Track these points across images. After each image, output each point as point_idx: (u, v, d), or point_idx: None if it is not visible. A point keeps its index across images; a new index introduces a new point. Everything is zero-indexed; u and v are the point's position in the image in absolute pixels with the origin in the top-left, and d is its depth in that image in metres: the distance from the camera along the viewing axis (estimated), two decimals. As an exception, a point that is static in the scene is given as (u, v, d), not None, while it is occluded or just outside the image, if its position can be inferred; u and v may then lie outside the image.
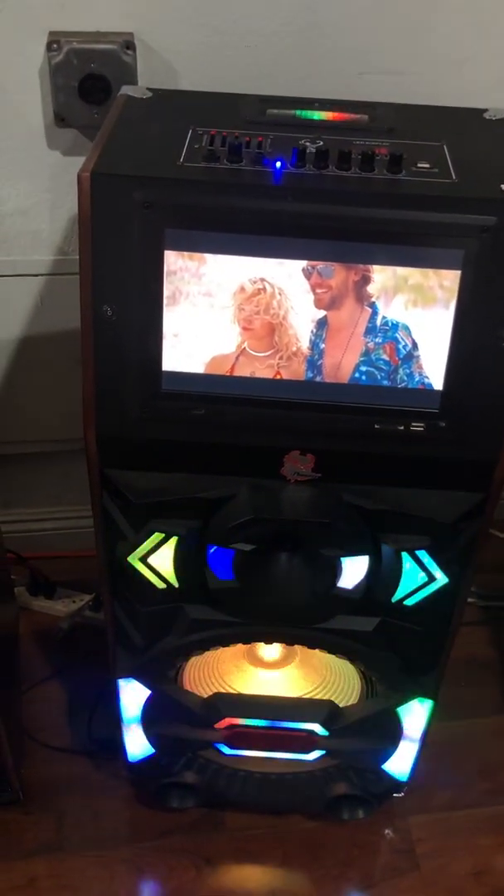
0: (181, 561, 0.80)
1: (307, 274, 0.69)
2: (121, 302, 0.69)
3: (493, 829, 1.12)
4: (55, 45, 0.93)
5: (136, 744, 1.01)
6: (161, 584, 0.82)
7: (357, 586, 0.80)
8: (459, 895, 1.06)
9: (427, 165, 0.70)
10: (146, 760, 1.02)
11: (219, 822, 1.10)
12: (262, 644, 1.00)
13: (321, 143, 0.72)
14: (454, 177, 0.70)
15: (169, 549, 0.80)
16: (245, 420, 0.74)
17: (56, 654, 1.27)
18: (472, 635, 1.33)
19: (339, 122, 0.79)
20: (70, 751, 1.16)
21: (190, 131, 0.74)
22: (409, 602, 0.81)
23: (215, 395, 0.73)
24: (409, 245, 0.67)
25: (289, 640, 0.88)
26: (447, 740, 1.17)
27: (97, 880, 1.06)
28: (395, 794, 1.09)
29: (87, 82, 0.94)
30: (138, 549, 0.79)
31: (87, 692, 1.20)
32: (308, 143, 0.72)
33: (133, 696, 0.95)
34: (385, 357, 0.71)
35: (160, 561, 0.81)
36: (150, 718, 0.97)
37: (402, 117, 0.79)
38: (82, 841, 1.08)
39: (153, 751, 1.01)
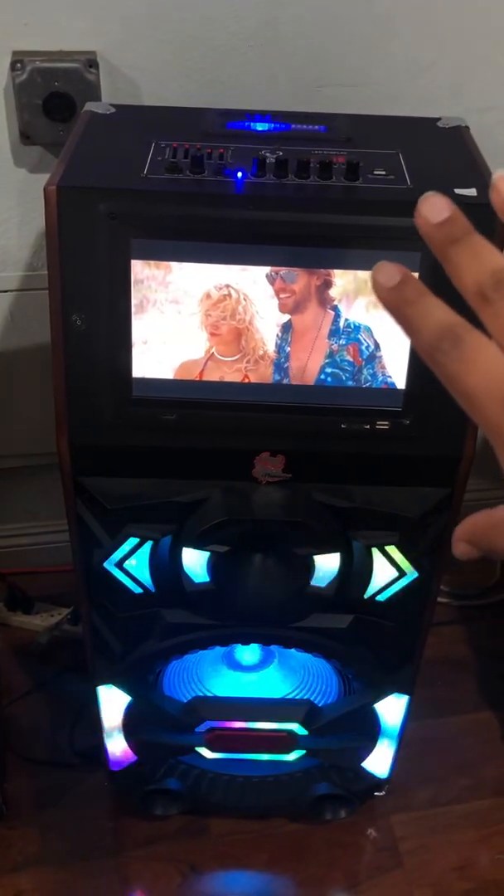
0: (157, 565, 0.81)
1: (271, 279, 0.71)
2: (90, 312, 0.71)
3: (474, 824, 1.13)
4: (19, 65, 0.95)
5: (118, 752, 1.02)
6: (137, 589, 0.83)
7: (330, 584, 0.81)
8: (443, 890, 1.07)
9: (383, 172, 0.73)
10: (129, 768, 1.03)
11: (203, 828, 1.11)
12: (240, 647, 1.02)
13: (280, 153, 0.74)
14: (409, 182, 0.72)
15: (144, 553, 0.81)
16: (215, 424, 0.75)
17: (35, 669, 1.27)
18: (447, 635, 1.35)
19: (298, 133, 0.81)
20: (52, 764, 1.16)
21: (153, 144, 0.75)
22: (381, 598, 0.83)
23: (185, 400, 0.74)
24: (368, 249, 0.70)
25: (265, 641, 0.90)
26: (425, 739, 1.19)
27: (83, 891, 1.06)
28: (376, 794, 1.11)
29: (52, 100, 0.96)
30: (114, 555, 0.80)
31: (68, 705, 1.20)
32: (268, 154, 0.74)
33: (113, 703, 0.96)
34: (349, 358, 0.73)
35: (136, 566, 0.82)
36: (131, 725, 0.97)
37: (358, 127, 0.82)
38: (67, 853, 1.08)
39: (135, 758, 1.02)
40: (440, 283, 0.68)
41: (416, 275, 0.68)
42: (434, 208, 0.33)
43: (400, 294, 0.34)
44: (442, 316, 0.34)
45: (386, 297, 0.35)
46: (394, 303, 0.35)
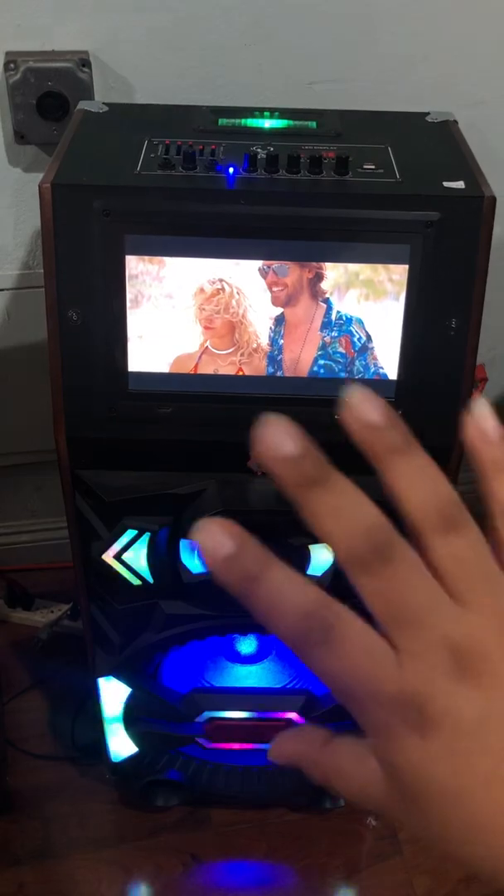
0: (155, 557, 0.83)
1: (263, 273, 0.72)
2: (85, 307, 0.72)
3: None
4: (12, 65, 0.96)
5: (119, 743, 1.03)
6: (136, 581, 0.84)
7: (325, 573, 0.82)
8: (442, 877, 1.08)
9: (372, 166, 0.74)
10: (130, 760, 1.04)
11: (204, 818, 1.12)
12: (239, 639, 1.03)
13: (271, 148, 0.75)
14: (398, 176, 0.73)
15: (142, 545, 0.82)
16: (210, 416, 0.76)
17: (36, 665, 1.28)
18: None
19: (289, 129, 0.82)
20: (54, 758, 1.17)
21: (146, 142, 0.77)
22: (377, 586, 0.84)
23: (180, 393, 0.75)
24: (359, 242, 0.71)
25: (263, 630, 0.90)
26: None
27: (86, 883, 1.07)
28: (375, 783, 1.12)
29: (45, 100, 0.97)
30: (112, 547, 0.81)
31: (69, 700, 1.21)
32: (259, 150, 0.75)
33: (114, 694, 0.97)
34: (341, 350, 0.74)
35: (134, 558, 0.83)
36: (132, 716, 0.98)
37: (348, 123, 0.83)
38: (69, 845, 1.10)
39: (136, 750, 1.03)
40: (428, 271, 0.70)
41: (405, 267, 0.70)
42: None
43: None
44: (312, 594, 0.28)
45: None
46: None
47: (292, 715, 0.97)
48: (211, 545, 0.27)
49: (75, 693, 1.17)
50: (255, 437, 0.28)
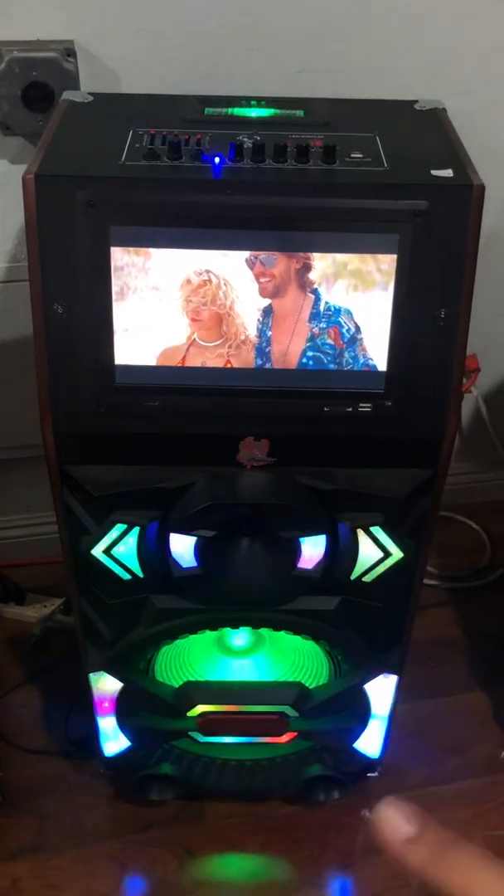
0: (145, 551, 0.82)
1: (250, 264, 0.71)
2: (71, 300, 0.71)
3: (466, 803, 1.14)
4: (-4, 55, 0.95)
5: (112, 738, 1.02)
6: (126, 576, 0.83)
7: (316, 566, 0.82)
8: (436, 868, 1.08)
9: (360, 155, 0.73)
10: (123, 754, 1.04)
11: (198, 812, 1.12)
12: (231, 632, 1.02)
13: (258, 137, 0.74)
14: (386, 165, 0.72)
15: (132, 540, 0.81)
16: (198, 409, 0.76)
17: (29, 660, 1.28)
18: (437, 617, 1.36)
19: (275, 118, 0.81)
20: (48, 753, 1.17)
21: (131, 132, 0.76)
22: (368, 579, 0.83)
23: (168, 386, 0.75)
24: (347, 232, 0.70)
25: (254, 624, 0.90)
26: (417, 720, 1.20)
27: (80, 877, 1.06)
28: (369, 775, 1.12)
29: (31, 90, 0.96)
30: (101, 542, 0.81)
31: (62, 694, 1.21)
32: (245, 139, 0.74)
33: (106, 690, 0.96)
34: (330, 341, 0.73)
35: (124, 553, 0.82)
36: (124, 711, 0.98)
37: (336, 111, 0.82)
38: (64, 840, 1.09)
39: (129, 744, 1.02)
40: (417, 261, 0.69)
41: (393, 257, 0.69)
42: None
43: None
44: None
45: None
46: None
47: (284, 708, 0.97)
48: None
49: (69, 688, 1.17)
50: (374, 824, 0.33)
